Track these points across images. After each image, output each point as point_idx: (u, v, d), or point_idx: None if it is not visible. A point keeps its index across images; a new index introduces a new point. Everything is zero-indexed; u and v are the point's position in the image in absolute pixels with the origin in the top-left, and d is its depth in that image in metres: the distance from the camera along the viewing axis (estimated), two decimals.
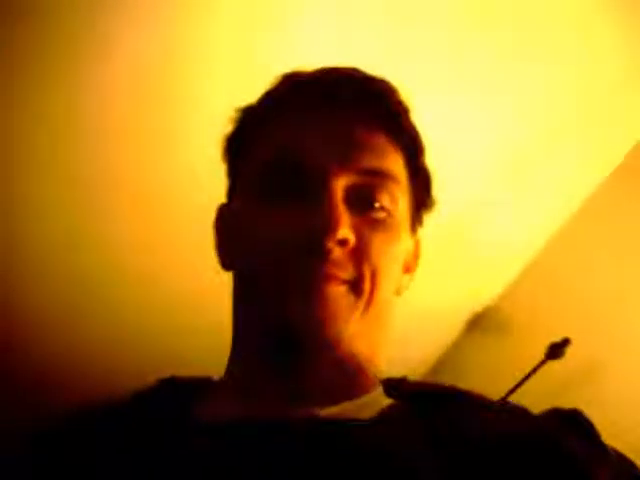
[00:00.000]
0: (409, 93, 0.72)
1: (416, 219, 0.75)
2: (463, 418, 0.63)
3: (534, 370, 2.01)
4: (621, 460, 0.63)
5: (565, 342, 2.01)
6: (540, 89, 1.79)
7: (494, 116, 1.86)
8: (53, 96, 1.55)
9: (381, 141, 0.69)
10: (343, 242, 0.63)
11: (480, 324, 2.45)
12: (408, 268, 0.76)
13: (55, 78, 1.52)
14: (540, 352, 2.03)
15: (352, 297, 0.65)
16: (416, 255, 0.78)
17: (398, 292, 0.74)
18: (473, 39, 1.62)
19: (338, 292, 0.63)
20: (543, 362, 2.02)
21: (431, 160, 0.76)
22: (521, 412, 0.67)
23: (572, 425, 0.64)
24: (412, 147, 0.72)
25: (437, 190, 0.76)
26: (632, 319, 1.96)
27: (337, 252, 0.63)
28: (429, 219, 0.79)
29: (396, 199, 0.69)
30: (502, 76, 1.73)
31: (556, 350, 2.02)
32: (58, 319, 2.07)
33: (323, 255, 0.63)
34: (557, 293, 2.19)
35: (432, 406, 0.66)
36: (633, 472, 0.62)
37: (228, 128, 0.76)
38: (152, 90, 1.58)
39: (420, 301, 2.17)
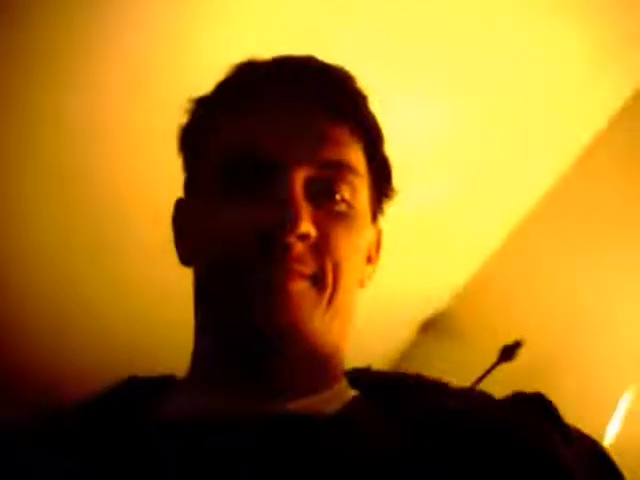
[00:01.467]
0: (367, 83, 0.71)
1: (377, 209, 0.75)
2: (428, 406, 0.63)
3: (487, 372, 2.02)
4: (584, 439, 0.63)
5: (517, 344, 2.03)
6: (498, 90, 1.80)
7: (445, 119, 1.87)
8: (51, 95, 1.54)
9: (340, 132, 0.67)
10: (304, 236, 0.62)
11: (433, 327, 2.46)
12: (370, 259, 0.75)
13: (53, 77, 1.51)
14: (493, 354, 2.05)
15: (315, 291, 0.63)
16: (378, 245, 0.77)
17: (362, 284, 0.73)
18: (436, 42, 1.63)
19: (301, 287, 0.62)
20: (496, 364, 2.04)
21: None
22: (485, 397, 0.67)
23: (535, 407, 0.64)
24: (371, 136, 0.71)
25: (397, 179, 0.75)
26: (583, 320, 1.99)
27: (299, 247, 0.62)
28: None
29: (356, 190, 0.68)
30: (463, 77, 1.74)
31: (508, 352, 2.04)
32: (49, 322, 2.05)
33: (285, 250, 0.61)
34: (509, 296, 2.21)
35: (397, 395, 0.66)
36: (597, 451, 0.63)
37: (183, 120, 0.74)
38: (151, 89, 1.57)
39: (372, 304, 2.17)
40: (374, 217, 0.74)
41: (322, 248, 0.64)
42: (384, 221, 0.78)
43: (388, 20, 1.57)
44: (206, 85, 0.73)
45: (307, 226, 0.62)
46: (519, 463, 0.57)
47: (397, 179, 0.75)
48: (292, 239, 0.61)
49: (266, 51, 0.72)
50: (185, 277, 0.73)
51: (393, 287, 2.25)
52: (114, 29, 1.45)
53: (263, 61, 0.72)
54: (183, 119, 0.74)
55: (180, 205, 0.76)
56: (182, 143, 0.75)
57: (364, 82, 0.72)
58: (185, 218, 0.75)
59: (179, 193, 0.76)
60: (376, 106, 0.73)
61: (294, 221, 0.61)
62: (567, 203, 2.09)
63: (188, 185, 0.75)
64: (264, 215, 0.62)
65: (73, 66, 1.50)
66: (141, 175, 1.71)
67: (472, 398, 0.67)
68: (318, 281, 0.64)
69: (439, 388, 0.68)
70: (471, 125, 1.89)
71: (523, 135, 1.95)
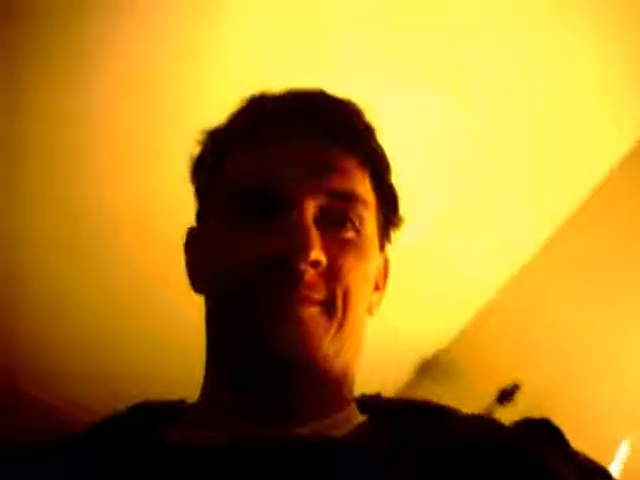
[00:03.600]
0: (375, 114, 0.74)
1: (384, 237, 0.76)
2: (437, 431, 0.64)
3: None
4: (592, 465, 0.63)
5: (515, 387, 2.02)
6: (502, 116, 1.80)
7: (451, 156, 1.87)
8: (54, 97, 1.55)
9: (349, 164, 0.70)
10: (315, 264, 0.63)
11: (431, 368, 2.44)
12: (377, 287, 0.76)
13: (56, 79, 1.52)
14: (490, 396, 2.03)
15: (325, 318, 0.65)
16: (385, 273, 0.79)
17: (370, 311, 0.74)
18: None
19: (312, 313, 0.64)
20: (493, 407, 2.02)
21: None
22: (492, 423, 0.68)
23: (542, 432, 0.65)
24: (378, 168, 0.73)
25: (404, 208, 0.78)
26: (582, 365, 1.97)
27: (310, 273, 0.63)
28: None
29: (364, 220, 0.69)
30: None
31: (506, 395, 2.02)
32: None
33: (296, 277, 0.63)
34: (508, 338, 2.20)
35: (405, 420, 0.66)
36: (604, 477, 0.63)
37: (195, 150, 0.76)
38: (153, 91, 1.58)
39: (369, 343, 2.15)
40: (382, 245, 0.76)
41: (332, 275, 0.65)
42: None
43: (404, 45, 1.59)
44: (214, 106, 0.74)
45: (318, 253, 0.63)
46: None
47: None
48: (304, 266, 0.63)
49: (273, 60, 0.73)
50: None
51: (391, 327, 2.24)
52: (126, 33, 1.47)
53: (273, 95, 0.74)
54: (194, 150, 0.76)
55: (191, 234, 0.78)
56: (193, 174, 0.76)
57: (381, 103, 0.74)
58: (196, 247, 0.76)
59: (184, 217, 0.78)
60: (382, 139, 0.75)
61: (305, 248, 0.62)
62: (570, 249, 2.09)
63: (199, 214, 0.77)
64: (276, 243, 0.63)
65: (85, 68, 1.52)
66: (153, 176, 1.73)
67: (480, 423, 0.68)
68: (328, 307, 0.65)
69: (447, 413, 0.69)
70: (478, 152, 1.89)
71: (530, 171, 1.95)
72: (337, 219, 0.68)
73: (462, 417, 0.69)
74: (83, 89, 1.55)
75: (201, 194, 0.76)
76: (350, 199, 0.68)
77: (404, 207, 0.76)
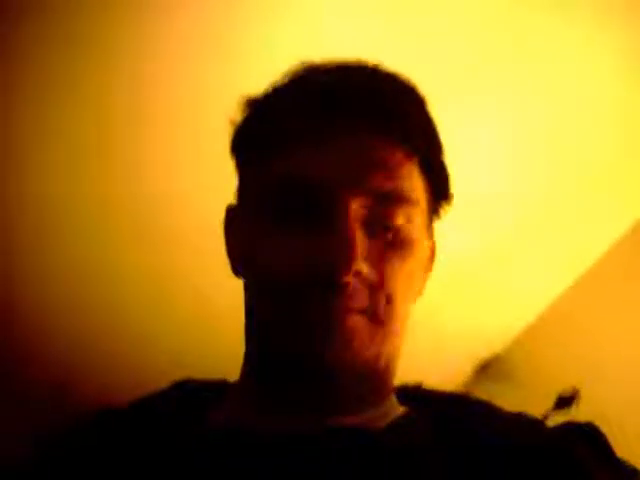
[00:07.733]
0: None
1: (434, 218, 0.72)
2: (477, 426, 0.64)
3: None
4: (635, 473, 0.63)
5: (574, 394, 1.99)
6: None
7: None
8: (58, 96, 1.59)
9: (396, 156, 0.65)
10: (357, 274, 0.61)
11: (488, 371, 2.43)
12: (425, 269, 0.74)
13: (61, 77, 1.55)
14: (547, 401, 2.02)
15: (370, 324, 0.63)
16: (432, 255, 0.75)
17: (419, 294, 0.73)
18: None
19: (355, 322, 0.62)
20: (550, 413, 2.00)
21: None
22: (534, 423, 0.67)
23: (584, 436, 0.64)
24: (428, 149, 0.68)
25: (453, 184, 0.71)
26: None
27: (352, 283, 0.61)
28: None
29: (412, 219, 0.66)
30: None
31: (564, 401, 2.00)
32: (61, 317, 2.11)
33: (339, 288, 0.61)
34: (566, 344, 2.18)
35: (446, 414, 0.66)
36: None
37: (237, 119, 0.71)
38: (161, 85, 1.59)
39: (429, 343, 2.16)
40: (430, 230, 0.72)
41: (375, 282, 0.63)
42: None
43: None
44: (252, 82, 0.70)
45: (360, 264, 0.61)
46: None
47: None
48: (347, 278, 0.61)
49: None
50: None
51: (451, 327, 2.25)
52: (131, 31, 1.48)
53: (320, 74, 0.68)
54: (235, 116, 0.70)
55: (231, 213, 0.74)
56: (234, 146, 0.72)
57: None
58: (235, 230, 0.73)
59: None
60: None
61: (348, 261, 0.60)
62: (633, 257, 2.06)
63: (239, 192, 0.73)
64: (320, 248, 0.61)
65: (90, 66, 1.54)
66: (161, 174, 1.76)
67: (520, 422, 0.67)
68: (372, 314, 0.63)
69: (488, 410, 0.69)
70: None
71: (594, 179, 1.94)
72: (382, 221, 0.64)
73: (502, 415, 0.68)
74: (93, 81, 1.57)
75: (241, 171, 0.72)
76: (396, 199, 0.64)
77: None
